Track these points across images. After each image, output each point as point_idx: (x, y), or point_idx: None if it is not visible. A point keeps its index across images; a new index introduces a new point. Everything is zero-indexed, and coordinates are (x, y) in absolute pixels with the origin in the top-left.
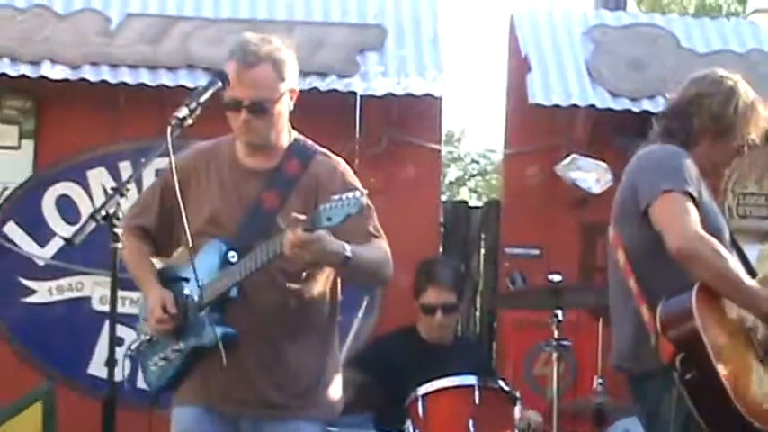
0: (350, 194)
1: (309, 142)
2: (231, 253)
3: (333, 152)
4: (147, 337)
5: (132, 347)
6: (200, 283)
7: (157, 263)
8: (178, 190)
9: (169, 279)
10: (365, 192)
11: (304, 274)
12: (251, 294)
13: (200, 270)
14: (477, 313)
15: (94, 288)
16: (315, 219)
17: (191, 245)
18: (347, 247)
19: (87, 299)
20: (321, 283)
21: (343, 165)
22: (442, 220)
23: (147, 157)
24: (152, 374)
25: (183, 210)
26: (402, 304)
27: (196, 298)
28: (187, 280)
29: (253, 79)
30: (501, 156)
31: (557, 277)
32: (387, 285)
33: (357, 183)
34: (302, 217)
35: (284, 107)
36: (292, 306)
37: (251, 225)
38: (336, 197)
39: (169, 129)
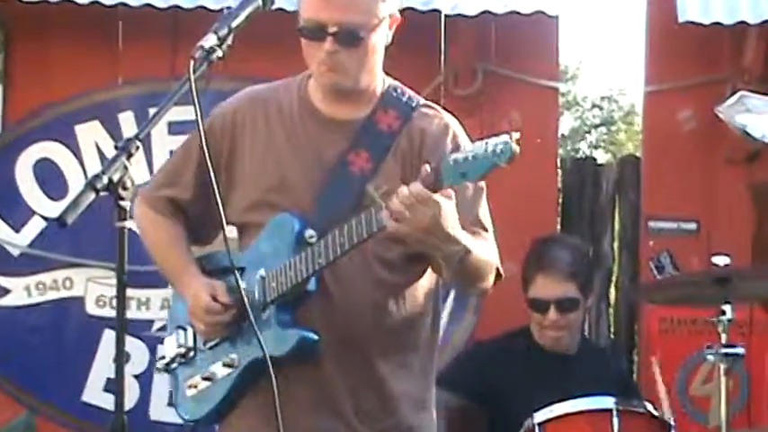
0: (495, 139)
1: (410, 91)
2: (309, 232)
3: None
4: (182, 350)
5: (160, 365)
6: (262, 272)
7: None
8: (206, 148)
9: (216, 270)
10: (515, 137)
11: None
12: (334, 288)
13: (264, 256)
14: (611, 311)
15: (88, 285)
16: (442, 172)
17: (223, 218)
18: (469, 237)
19: (79, 300)
20: (427, 279)
21: (455, 123)
22: (560, 184)
23: (161, 104)
24: (189, 401)
25: (212, 176)
26: (508, 303)
27: (257, 292)
28: (243, 270)
29: None
30: (633, 98)
31: (722, 259)
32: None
33: None
34: (428, 168)
35: (382, 38)
36: (391, 307)
37: (334, 193)
38: (475, 144)
39: (191, 64)
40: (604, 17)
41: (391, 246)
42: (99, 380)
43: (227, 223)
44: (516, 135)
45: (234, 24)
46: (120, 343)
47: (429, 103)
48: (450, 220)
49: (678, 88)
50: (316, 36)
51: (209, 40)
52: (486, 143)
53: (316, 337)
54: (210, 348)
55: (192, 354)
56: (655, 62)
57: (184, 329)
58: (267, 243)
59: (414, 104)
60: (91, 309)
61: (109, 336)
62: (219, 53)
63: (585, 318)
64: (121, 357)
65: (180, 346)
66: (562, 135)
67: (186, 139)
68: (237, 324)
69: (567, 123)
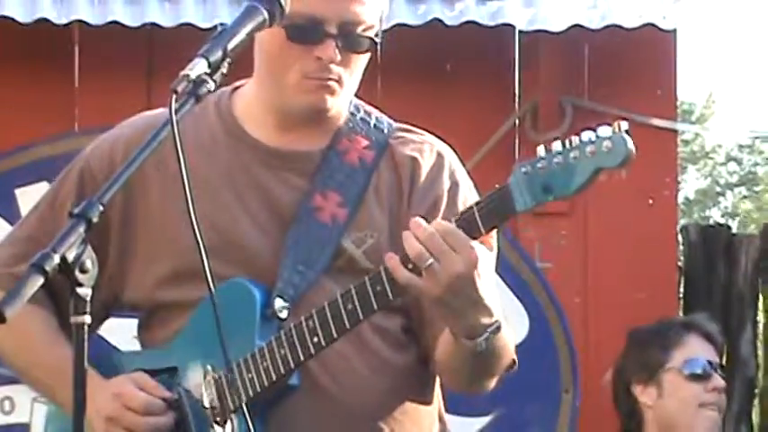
0: (593, 133)
1: (374, 110)
2: (279, 303)
3: (448, 139)
4: None
5: None
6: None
7: None
8: (188, 196)
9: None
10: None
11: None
12: (324, 379)
13: (205, 344)
14: None
15: (35, 407)
16: (512, 188)
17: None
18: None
19: (23, 428)
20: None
21: (449, 152)
22: (681, 261)
23: (133, 156)
24: None
25: (192, 211)
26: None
27: (207, 400)
28: (169, 372)
29: None
30: None
31: None
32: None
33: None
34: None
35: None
36: (401, 400)
37: (301, 253)
38: (557, 143)
39: (172, 101)
40: (743, 34)
41: (390, 313)
42: None
43: (132, 308)
44: (625, 125)
45: (231, 46)
46: None
47: (403, 125)
48: (485, 280)
49: None
50: (308, 37)
51: (197, 68)
52: (580, 140)
53: None
54: None
55: None
56: None
57: None
58: (206, 326)
59: (384, 128)
60: None
61: None
62: (210, 85)
63: None
64: None
65: None
66: (686, 198)
67: (49, 193)
68: None
69: (692, 182)
